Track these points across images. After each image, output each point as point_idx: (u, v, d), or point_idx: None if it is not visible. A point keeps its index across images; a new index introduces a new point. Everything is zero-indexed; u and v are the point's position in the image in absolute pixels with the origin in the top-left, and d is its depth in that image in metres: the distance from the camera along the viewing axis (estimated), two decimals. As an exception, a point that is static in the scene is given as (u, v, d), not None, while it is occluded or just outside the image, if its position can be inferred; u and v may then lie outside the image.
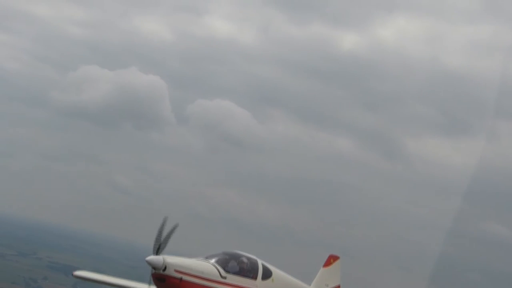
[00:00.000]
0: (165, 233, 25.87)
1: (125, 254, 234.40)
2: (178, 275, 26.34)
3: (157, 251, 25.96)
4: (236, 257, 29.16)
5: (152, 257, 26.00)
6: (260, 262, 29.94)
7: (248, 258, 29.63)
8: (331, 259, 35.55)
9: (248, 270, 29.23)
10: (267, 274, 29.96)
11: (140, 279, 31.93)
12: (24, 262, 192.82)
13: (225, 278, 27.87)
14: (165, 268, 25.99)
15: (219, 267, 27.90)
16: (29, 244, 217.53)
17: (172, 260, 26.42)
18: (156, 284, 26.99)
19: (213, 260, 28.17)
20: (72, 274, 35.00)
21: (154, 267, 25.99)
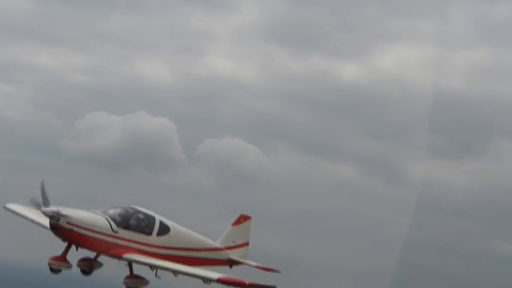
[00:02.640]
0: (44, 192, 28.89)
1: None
2: (69, 227, 28.76)
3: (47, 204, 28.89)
4: (132, 213, 30.69)
5: (46, 208, 28.74)
6: (158, 219, 31.17)
7: (145, 214, 31.01)
8: (241, 219, 36.14)
9: (143, 226, 30.60)
10: (164, 230, 31.12)
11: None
12: None
13: (116, 232, 29.68)
14: (58, 219, 28.63)
15: (111, 222, 29.73)
16: None
17: (66, 212, 28.79)
18: (52, 232, 29.49)
19: (108, 214, 30.05)
20: (4, 206, 34.67)
21: (48, 216, 28.78)
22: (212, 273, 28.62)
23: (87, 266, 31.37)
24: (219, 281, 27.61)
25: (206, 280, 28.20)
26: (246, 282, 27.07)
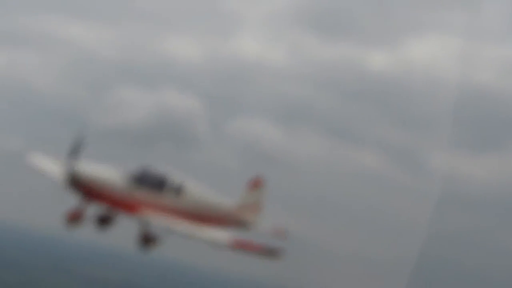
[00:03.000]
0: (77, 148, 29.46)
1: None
2: (87, 181, 29.62)
3: (72, 159, 29.53)
4: (148, 171, 31.20)
5: (65, 162, 29.69)
6: (172, 177, 31.60)
7: (161, 173, 31.52)
8: (255, 181, 36.28)
9: (157, 184, 31.10)
10: (178, 189, 31.46)
11: None
12: (62, 277, 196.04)
13: (132, 188, 30.38)
14: (75, 174, 29.42)
15: (127, 178, 30.47)
16: (64, 259, 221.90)
17: (83, 167, 29.54)
18: (70, 186, 29.98)
19: (125, 172, 30.74)
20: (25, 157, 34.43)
21: (67, 171, 29.51)
22: (222, 235, 29.20)
23: (103, 220, 32.08)
24: (229, 245, 28.16)
25: (216, 244, 28.79)
26: (257, 245, 27.60)
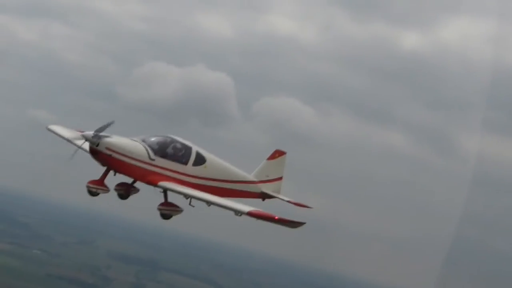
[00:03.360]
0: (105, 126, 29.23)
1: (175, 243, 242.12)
2: (108, 152, 29.52)
3: (97, 132, 29.22)
4: (170, 142, 31.12)
5: (86, 133, 29.73)
6: (194, 149, 31.54)
7: (183, 144, 31.38)
8: (276, 153, 35.94)
9: (180, 156, 31.05)
10: (200, 161, 31.48)
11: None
12: (85, 250, 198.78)
13: (153, 160, 30.26)
14: (98, 144, 29.38)
15: (149, 149, 30.30)
16: (87, 232, 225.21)
17: (106, 138, 29.48)
18: (91, 156, 30.17)
19: (147, 142, 30.58)
20: (46, 127, 35.09)
21: (88, 141, 29.60)
22: (243, 205, 28.95)
23: (124, 191, 31.95)
24: (249, 214, 27.90)
25: (238, 212, 28.46)
26: (276, 216, 27.26)
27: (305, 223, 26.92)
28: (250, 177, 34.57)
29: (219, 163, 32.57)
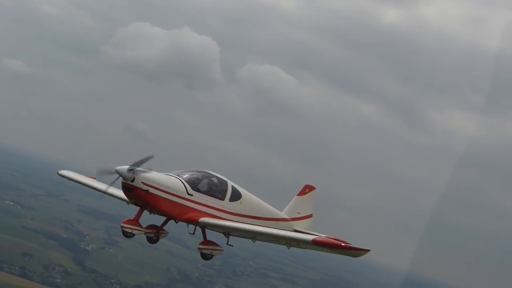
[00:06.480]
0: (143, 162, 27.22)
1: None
2: (145, 187, 27.40)
3: (133, 166, 27.20)
4: (206, 177, 29.64)
5: (120, 167, 27.33)
6: (230, 184, 30.13)
7: (219, 179, 29.94)
8: (306, 189, 35.19)
9: (217, 191, 29.57)
10: (236, 196, 30.11)
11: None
12: (56, 203, 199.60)
13: (191, 195, 28.55)
14: (133, 179, 27.27)
15: (187, 185, 28.56)
16: (56, 184, 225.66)
17: (142, 172, 27.36)
18: (125, 194, 28.18)
19: (183, 177, 28.86)
20: (57, 173, 34.56)
21: (122, 177, 27.33)
22: (305, 235, 28.30)
23: (154, 234, 30.03)
24: (314, 242, 26.05)
25: (301, 242, 27.10)
26: (342, 243, 25.74)
27: (370, 250, 24.87)
28: (283, 214, 33.41)
29: (254, 199, 31.23)
